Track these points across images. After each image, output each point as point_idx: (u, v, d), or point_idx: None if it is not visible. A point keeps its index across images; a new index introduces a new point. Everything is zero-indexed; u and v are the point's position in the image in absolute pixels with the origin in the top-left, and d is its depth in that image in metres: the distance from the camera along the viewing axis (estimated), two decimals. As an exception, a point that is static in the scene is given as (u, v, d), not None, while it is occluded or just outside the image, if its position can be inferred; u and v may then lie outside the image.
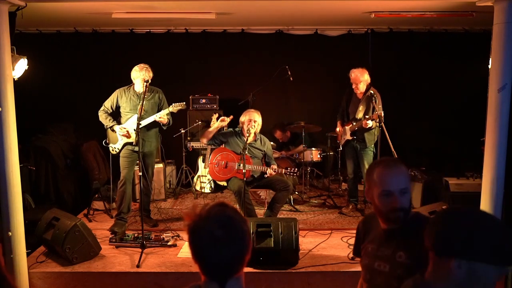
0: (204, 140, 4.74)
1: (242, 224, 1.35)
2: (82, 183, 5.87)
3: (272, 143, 5.22)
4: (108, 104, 4.57)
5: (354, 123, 4.92)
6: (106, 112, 4.56)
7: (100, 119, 4.57)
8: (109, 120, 4.54)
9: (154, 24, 6.15)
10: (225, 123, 4.69)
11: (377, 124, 4.54)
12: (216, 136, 4.78)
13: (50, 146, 5.64)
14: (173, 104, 4.53)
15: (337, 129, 5.30)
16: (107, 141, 4.65)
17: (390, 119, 4.68)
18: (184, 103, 4.59)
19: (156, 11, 4.97)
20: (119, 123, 4.56)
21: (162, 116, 4.48)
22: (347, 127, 5.04)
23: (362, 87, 4.89)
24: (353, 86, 4.94)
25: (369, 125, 4.68)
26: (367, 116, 4.70)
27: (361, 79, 4.86)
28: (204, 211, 1.34)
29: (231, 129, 4.88)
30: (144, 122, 4.43)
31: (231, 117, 4.79)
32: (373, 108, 4.70)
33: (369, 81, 4.90)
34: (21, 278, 3.51)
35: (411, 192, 1.70)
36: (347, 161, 5.22)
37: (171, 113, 4.61)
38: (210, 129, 4.71)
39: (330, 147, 6.23)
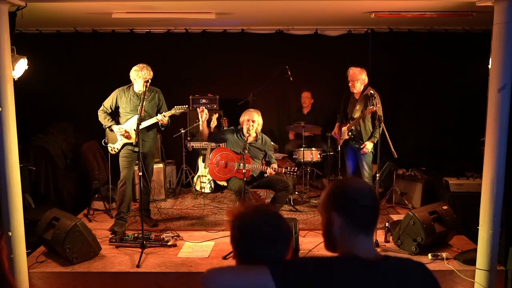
0: (204, 137, 4.73)
1: (287, 223, 1.46)
2: (82, 183, 5.87)
3: (272, 143, 5.22)
4: (108, 104, 4.55)
5: (351, 122, 4.91)
6: (105, 112, 4.55)
7: (99, 118, 4.56)
8: (108, 120, 4.53)
9: (154, 24, 6.15)
10: (205, 114, 4.50)
11: (377, 124, 4.52)
12: (217, 134, 4.81)
13: (50, 146, 5.64)
14: (175, 107, 4.50)
15: (333, 132, 5.26)
16: (106, 141, 4.65)
17: (390, 119, 4.67)
18: (187, 106, 4.59)
19: (156, 11, 4.96)
20: (117, 123, 4.56)
21: (165, 115, 4.47)
22: (344, 128, 5.03)
23: (358, 86, 4.85)
24: (349, 84, 4.86)
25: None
26: (370, 107, 4.56)
27: (358, 77, 4.81)
28: (251, 209, 1.44)
29: (232, 127, 4.88)
30: (145, 124, 4.43)
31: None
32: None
33: (366, 81, 4.86)
34: (21, 278, 3.51)
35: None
36: (347, 162, 5.20)
37: (173, 116, 4.58)
38: (201, 127, 4.62)
39: (330, 147, 6.22)
